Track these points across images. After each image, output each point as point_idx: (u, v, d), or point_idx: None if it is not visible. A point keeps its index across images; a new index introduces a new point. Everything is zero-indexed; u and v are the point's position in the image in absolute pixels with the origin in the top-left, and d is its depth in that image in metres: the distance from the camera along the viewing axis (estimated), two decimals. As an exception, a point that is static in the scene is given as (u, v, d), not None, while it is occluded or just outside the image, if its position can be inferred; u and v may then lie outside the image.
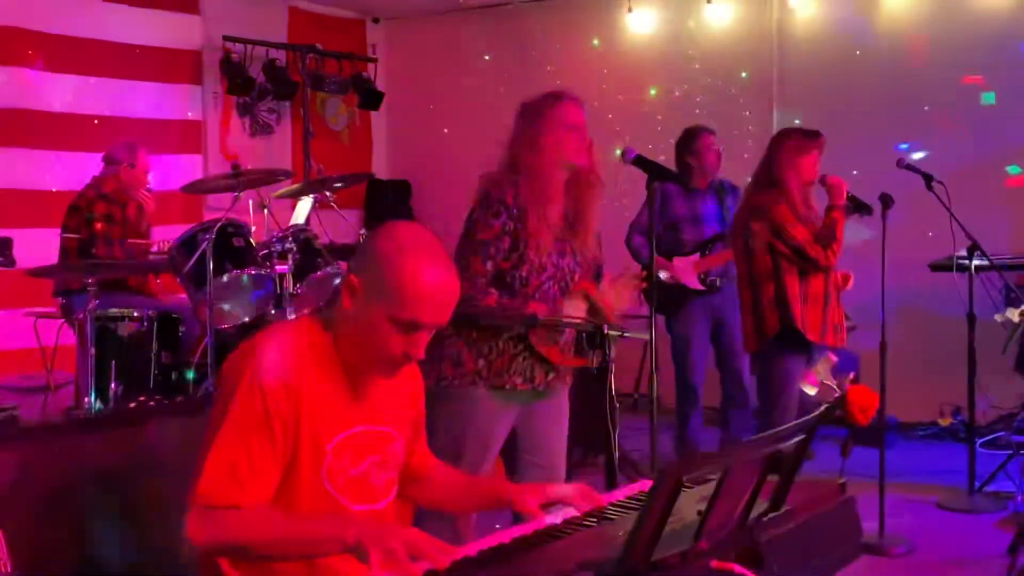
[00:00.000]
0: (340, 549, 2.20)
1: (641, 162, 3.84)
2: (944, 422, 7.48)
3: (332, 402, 2.37)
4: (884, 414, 4.89)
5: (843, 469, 3.53)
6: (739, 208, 5.43)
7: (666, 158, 7.67)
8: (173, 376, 5.63)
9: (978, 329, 5.79)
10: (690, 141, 6.46)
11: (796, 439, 2.15)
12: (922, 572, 4.81)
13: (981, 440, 6.72)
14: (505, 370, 3.69)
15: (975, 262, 5.81)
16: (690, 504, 2.07)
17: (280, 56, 8.95)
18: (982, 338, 5.82)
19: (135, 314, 5.55)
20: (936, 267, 6.60)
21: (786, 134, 5.19)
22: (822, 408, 3.04)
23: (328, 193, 6.14)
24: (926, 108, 7.71)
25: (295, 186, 6.33)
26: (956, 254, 5.76)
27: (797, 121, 7.81)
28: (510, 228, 3.63)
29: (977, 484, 5.88)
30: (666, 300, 6.50)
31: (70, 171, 7.58)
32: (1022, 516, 5.34)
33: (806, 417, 2.16)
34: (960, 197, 5.46)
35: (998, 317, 5.79)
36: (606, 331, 2.99)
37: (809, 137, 5.05)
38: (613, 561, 1.85)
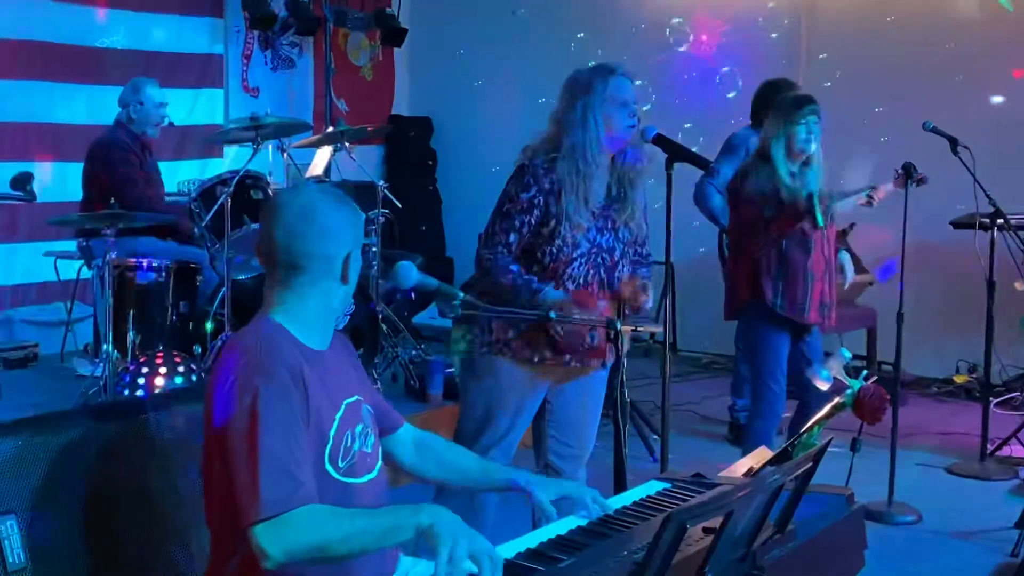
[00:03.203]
0: (413, 534, 2.19)
1: (662, 141, 3.77)
2: (960, 379, 7.47)
3: (322, 385, 2.38)
4: (898, 390, 4.90)
5: (852, 466, 3.54)
6: None
7: (692, 108, 7.67)
8: (191, 326, 5.66)
9: (997, 286, 5.79)
10: (774, 96, 6.22)
11: (803, 469, 2.15)
12: (927, 544, 4.82)
13: (996, 400, 6.72)
14: (534, 342, 3.66)
15: (997, 223, 5.77)
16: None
17: (303, -10, 8.85)
18: (1000, 296, 5.82)
19: (153, 263, 5.56)
20: (958, 225, 6.56)
21: (779, 101, 5.05)
22: (830, 406, 3.07)
23: (348, 144, 6.11)
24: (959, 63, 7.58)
25: (314, 138, 6.29)
26: (979, 212, 5.72)
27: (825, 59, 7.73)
28: (540, 202, 3.58)
29: (990, 446, 5.89)
30: None
31: (90, 104, 7.56)
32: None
33: (815, 447, 2.15)
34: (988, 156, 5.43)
35: (1018, 285, 5.77)
36: (619, 327, 2.96)
37: (797, 104, 4.91)
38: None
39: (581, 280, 3.64)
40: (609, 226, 3.69)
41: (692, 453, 5.91)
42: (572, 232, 3.59)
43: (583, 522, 2.51)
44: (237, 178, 5.45)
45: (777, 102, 5.06)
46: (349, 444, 2.41)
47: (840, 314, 5.19)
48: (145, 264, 5.56)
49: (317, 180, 5.93)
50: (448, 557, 2.09)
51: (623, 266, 3.74)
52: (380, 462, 2.55)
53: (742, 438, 6.18)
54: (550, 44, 8.70)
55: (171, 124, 6.72)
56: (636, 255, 3.83)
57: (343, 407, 2.43)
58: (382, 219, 6.25)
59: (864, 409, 2.97)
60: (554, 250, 3.60)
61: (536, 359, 3.67)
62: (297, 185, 2.45)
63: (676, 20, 8.53)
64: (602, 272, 3.69)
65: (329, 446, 2.36)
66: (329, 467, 2.37)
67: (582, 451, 3.92)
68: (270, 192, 5.63)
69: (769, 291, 4.84)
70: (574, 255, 3.62)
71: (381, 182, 6.27)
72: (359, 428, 2.47)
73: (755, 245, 4.87)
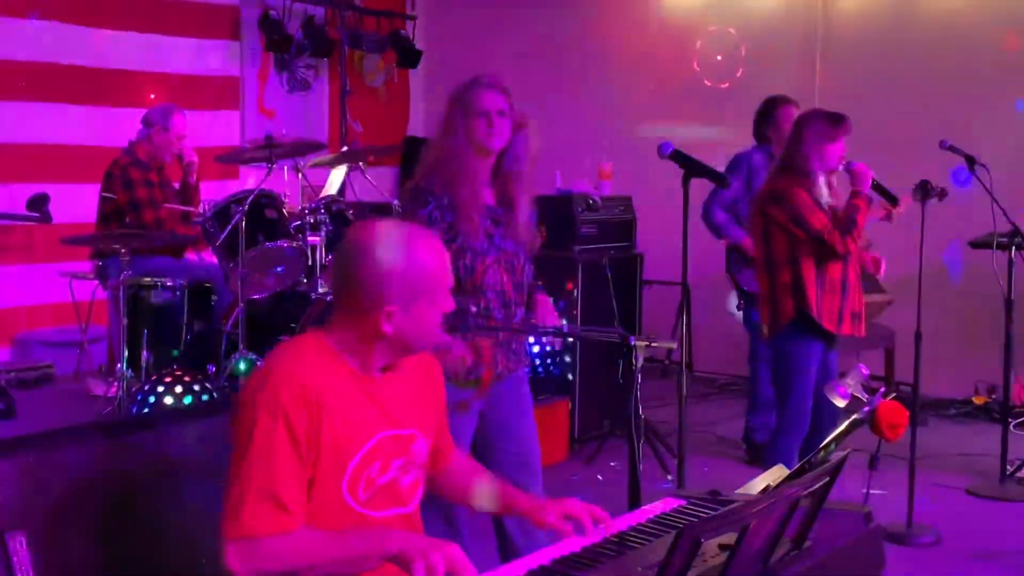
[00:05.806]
0: (382, 560, 2.24)
1: (678, 157, 3.79)
2: (979, 400, 7.42)
3: (352, 414, 2.36)
4: (917, 409, 4.85)
5: (869, 484, 3.50)
6: (759, 191, 5.30)
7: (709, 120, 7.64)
8: (205, 345, 5.66)
9: (1016, 307, 5.75)
10: (770, 112, 6.26)
11: (820, 483, 2.12)
12: (946, 565, 4.77)
13: (1015, 422, 6.67)
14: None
15: (1016, 242, 5.74)
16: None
17: (319, 13, 8.90)
18: (1019, 316, 5.79)
19: (168, 283, 5.58)
20: (976, 244, 6.52)
21: (811, 118, 5.05)
22: (847, 423, 3.02)
23: (361, 164, 6.13)
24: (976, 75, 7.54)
25: (329, 156, 6.31)
26: (997, 231, 5.69)
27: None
28: (438, 216, 3.60)
29: (1009, 468, 5.83)
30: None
31: (106, 127, 7.60)
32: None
33: (831, 461, 2.12)
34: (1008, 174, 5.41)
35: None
36: (632, 342, 2.91)
37: (835, 123, 4.92)
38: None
39: (498, 287, 3.65)
40: (508, 233, 3.71)
41: (709, 474, 5.87)
42: (476, 239, 3.62)
43: (595, 539, 2.47)
44: (252, 197, 5.46)
45: (811, 119, 5.06)
46: (373, 476, 2.40)
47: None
48: (159, 284, 5.57)
49: (331, 200, 5.92)
50: (425, 571, 2.15)
51: (527, 268, 3.78)
52: (416, 500, 2.54)
53: (758, 456, 6.16)
54: (563, 66, 8.72)
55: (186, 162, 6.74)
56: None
57: (378, 437, 2.41)
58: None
59: (882, 425, 2.93)
60: (467, 263, 3.61)
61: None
62: (403, 222, 2.47)
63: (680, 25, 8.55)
64: (514, 275, 3.71)
65: (348, 474, 2.36)
66: (348, 496, 2.37)
67: (523, 454, 3.81)
68: (284, 212, 5.65)
69: (814, 303, 4.89)
70: (486, 264, 3.64)
71: (396, 202, 6.28)
72: (399, 462, 2.46)
73: (801, 259, 4.90)
